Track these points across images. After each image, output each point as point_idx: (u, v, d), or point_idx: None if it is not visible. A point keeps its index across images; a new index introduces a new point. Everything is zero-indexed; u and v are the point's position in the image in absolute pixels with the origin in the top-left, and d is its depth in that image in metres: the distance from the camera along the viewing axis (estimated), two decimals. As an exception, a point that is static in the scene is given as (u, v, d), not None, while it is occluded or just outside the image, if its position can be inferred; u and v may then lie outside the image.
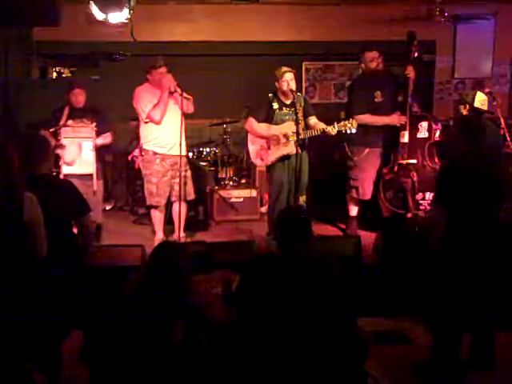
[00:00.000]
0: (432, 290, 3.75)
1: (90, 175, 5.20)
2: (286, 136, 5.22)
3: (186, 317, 2.85)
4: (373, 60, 5.47)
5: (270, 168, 5.44)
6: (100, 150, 5.43)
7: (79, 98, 5.33)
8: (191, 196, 5.52)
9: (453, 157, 3.78)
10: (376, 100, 5.49)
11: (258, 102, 5.51)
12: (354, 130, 5.07)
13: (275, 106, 5.28)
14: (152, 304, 2.80)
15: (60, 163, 5.15)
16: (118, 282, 3.05)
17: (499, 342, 3.83)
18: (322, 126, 5.17)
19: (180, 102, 5.13)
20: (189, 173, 5.48)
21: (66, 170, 5.13)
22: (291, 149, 5.20)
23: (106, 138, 5.44)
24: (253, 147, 5.44)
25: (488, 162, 3.71)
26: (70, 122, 5.24)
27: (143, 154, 5.39)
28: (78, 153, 5.20)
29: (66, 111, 5.28)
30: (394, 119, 5.39)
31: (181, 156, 5.18)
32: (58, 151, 5.14)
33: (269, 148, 5.33)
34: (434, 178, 5.14)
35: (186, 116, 5.24)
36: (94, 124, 5.23)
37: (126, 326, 2.77)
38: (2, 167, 3.07)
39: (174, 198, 5.39)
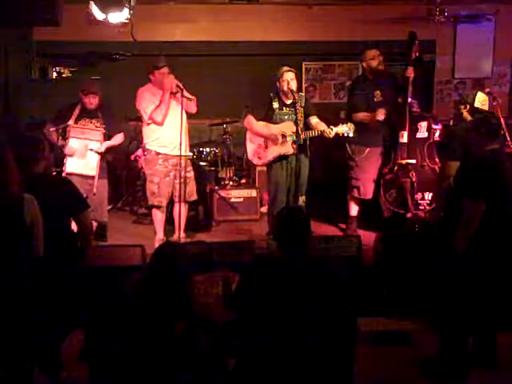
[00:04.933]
0: (436, 290, 3.76)
1: (93, 177, 5.20)
2: (284, 136, 5.23)
3: (186, 317, 2.85)
4: (374, 58, 5.46)
5: (268, 167, 5.45)
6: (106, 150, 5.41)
7: (92, 100, 5.24)
8: (193, 197, 5.50)
9: (481, 154, 3.71)
10: (375, 99, 5.49)
11: (258, 101, 5.51)
12: (351, 134, 5.07)
13: (275, 105, 5.28)
14: (152, 304, 2.80)
15: (64, 160, 5.15)
16: (118, 281, 3.05)
17: (501, 342, 3.83)
18: (322, 126, 5.17)
19: (181, 102, 5.12)
20: (191, 173, 5.47)
21: (69, 168, 5.13)
22: (288, 149, 5.20)
23: (117, 140, 5.41)
24: (251, 146, 5.43)
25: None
26: (80, 122, 5.21)
27: (146, 153, 5.39)
28: (84, 152, 5.19)
29: (77, 111, 5.23)
30: (379, 114, 5.30)
31: (181, 156, 5.16)
32: (64, 148, 5.14)
33: (266, 147, 5.33)
34: (436, 178, 5.20)
35: (187, 116, 5.24)
36: (103, 128, 5.22)
37: (126, 325, 2.77)
38: (1, 167, 3.08)
39: (176, 199, 5.37)
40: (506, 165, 3.69)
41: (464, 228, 3.55)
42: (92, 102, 5.24)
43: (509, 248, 3.60)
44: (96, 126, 5.24)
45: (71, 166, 5.15)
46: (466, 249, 3.54)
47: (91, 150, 5.17)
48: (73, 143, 5.15)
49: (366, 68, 5.57)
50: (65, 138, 5.14)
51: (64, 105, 5.37)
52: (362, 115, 5.42)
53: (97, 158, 5.20)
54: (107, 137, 5.29)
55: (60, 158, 5.19)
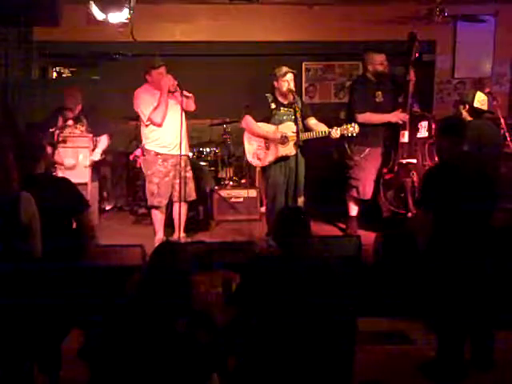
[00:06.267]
0: (432, 291, 3.75)
1: (85, 184, 5.22)
2: (285, 137, 5.21)
3: (186, 317, 2.85)
4: (382, 63, 5.47)
5: (265, 168, 5.40)
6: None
7: (70, 112, 5.32)
8: (192, 197, 5.50)
9: (439, 159, 3.72)
10: (377, 100, 5.49)
11: (257, 101, 5.49)
12: (355, 134, 5.06)
13: (273, 106, 5.26)
14: (152, 304, 2.80)
15: (56, 171, 5.17)
16: (118, 281, 3.05)
17: (499, 342, 3.83)
18: (323, 127, 5.16)
19: (180, 101, 5.11)
20: (190, 173, 5.47)
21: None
22: (290, 150, 5.18)
23: (103, 143, 5.43)
24: (249, 147, 5.35)
25: (478, 164, 3.68)
26: (65, 130, 5.26)
27: (145, 154, 5.39)
28: (76, 160, 5.23)
29: (61, 118, 5.30)
30: (397, 116, 5.38)
31: (181, 155, 5.17)
32: (56, 157, 5.16)
33: (267, 148, 5.28)
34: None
35: (186, 116, 5.23)
36: (88, 131, 5.26)
37: (126, 325, 2.77)
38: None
39: (175, 199, 5.37)
40: (466, 170, 3.61)
41: (418, 232, 3.60)
42: (71, 111, 5.31)
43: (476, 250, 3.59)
44: (81, 131, 5.28)
45: (62, 175, 5.16)
46: (462, 248, 3.54)
47: (87, 162, 5.22)
48: (63, 154, 5.19)
49: (370, 70, 5.56)
50: (55, 147, 5.16)
51: (48, 113, 5.44)
52: (379, 117, 5.42)
53: (88, 164, 5.24)
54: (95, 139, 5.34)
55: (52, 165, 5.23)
